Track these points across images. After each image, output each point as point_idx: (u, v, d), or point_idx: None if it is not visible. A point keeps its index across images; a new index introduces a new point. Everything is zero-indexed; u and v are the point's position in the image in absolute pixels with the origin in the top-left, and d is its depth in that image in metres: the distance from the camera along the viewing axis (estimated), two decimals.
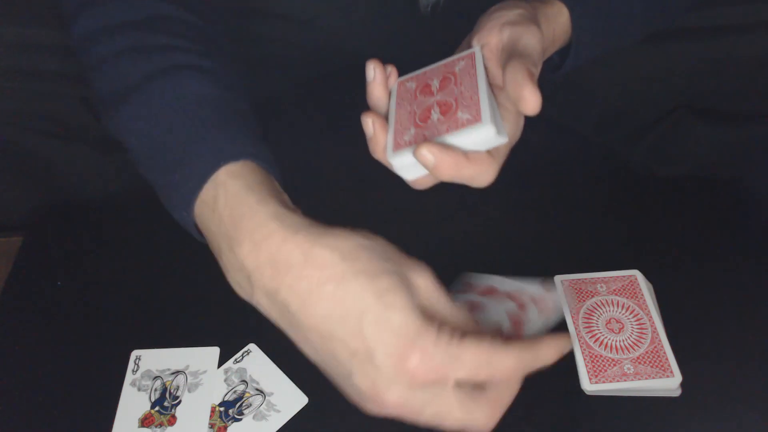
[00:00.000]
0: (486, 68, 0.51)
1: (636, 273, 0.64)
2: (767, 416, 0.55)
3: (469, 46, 0.53)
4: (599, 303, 0.61)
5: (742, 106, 0.72)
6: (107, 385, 0.59)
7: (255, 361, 0.60)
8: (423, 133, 0.47)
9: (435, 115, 0.49)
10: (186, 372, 0.59)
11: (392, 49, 0.75)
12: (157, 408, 0.57)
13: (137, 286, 0.67)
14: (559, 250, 0.67)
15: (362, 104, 0.82)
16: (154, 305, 0.65)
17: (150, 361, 0.60)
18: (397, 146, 0.48)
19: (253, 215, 0.43)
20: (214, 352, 0.60)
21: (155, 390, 0.58)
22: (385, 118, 0.50)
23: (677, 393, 0.56)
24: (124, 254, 0.69)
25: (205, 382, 0.58)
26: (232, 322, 0.63)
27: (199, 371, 0.59)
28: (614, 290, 0.63)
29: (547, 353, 0.42)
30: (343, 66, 0.81)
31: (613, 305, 0.61)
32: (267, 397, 0.58)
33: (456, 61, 0.52)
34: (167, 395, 0.58)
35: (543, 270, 0.64)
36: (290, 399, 0.58)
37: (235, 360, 0.60)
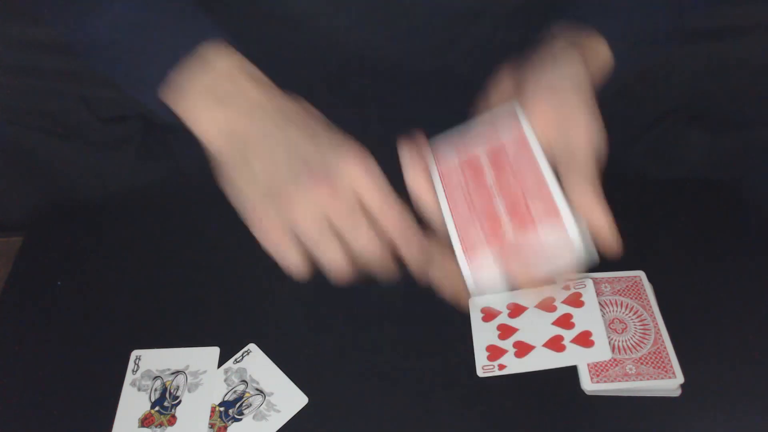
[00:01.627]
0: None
1: (640, 274, 0.63)
2: (767, 416, 0.55)
3: (503, 97, 0.53)
4: (603, 303, 0.61)
5: (739, 110, 0.71)
6: (107, 385, 0.59)
7: (255, 361, 0.60)
8: (499, 243, 0.46)
9: (502, 210, 0.47)
10: (186, 372, 0.59)
11: (390, 50, 0.75)
12: (157, 408, 0.57)
13: (137, 285, 0.66)
14: None
15: (360, 105, 0.82)
16: (154, 305, 0.65)
17: (150, 361, 0.60)
18: (474, 262, 0.46)
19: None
20: (214, 352, 0.60)
21: (155, 390, 0.58)
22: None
23: (677, 393, 0.56)
24: (124, 254, 0.69)
25: (205, 382, 0.58)
26: (232, 322, 0.63)
27: (199, 371, 0.59)
28: (618, 291, 0.62)
29: None
30: (341, 68, 0.81)
31: (617, 305, 0.61)
32: (267, 397, 0.58)
33: (499, 127, 0.50)
34: (167, 395, 0.58)
35: None
36: (290, 399, 0.57)
37: (235, 360, 0.60)
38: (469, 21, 0.70)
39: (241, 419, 0.56)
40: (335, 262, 0.49)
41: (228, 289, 0.66)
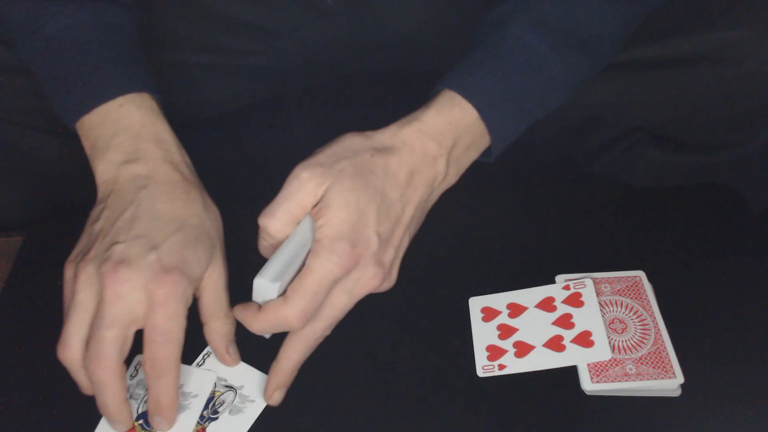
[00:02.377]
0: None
1: (640, 274, 0.63)
2: (767, 416, 0.55)
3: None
4: (603, 303, 0.61)
5: (692, 136, 0.72)
6: None
7: (217, 360, 0.59)
8: None
9: None
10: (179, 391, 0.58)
11: (374, 63, 0.75)
12: (140, 422, 0.56)
13: None
14: (563, 250, 0.67)
15: (349, 115, 0.82)
16: None
17: None
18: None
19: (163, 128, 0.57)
20: (211, 377, 0.59)
21: (145, 402, 0.57)
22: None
23: (677, 393, 0.56)
24: None
25: (192, 407, 0.57)
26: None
27: (190, 394, 0.57)
28: (618, 291, 0.62)
29: None
30: (328, 79, 0.81)
31: (616, 305, 0.61)
32: (238, 391, 0.58)
33: None
34: None
35: (546, 270, 0.64)
36: (262, 387, 0.57)
37: (198, 364, 0.59)
38: (459, 24, 0.70)
39: (217, 417, 0.56)
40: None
41: (231, 289, 0.66)
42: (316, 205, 0.53)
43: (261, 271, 0.52)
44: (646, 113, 0.71)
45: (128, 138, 0.55)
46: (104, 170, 0.55)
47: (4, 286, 0.67)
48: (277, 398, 0.55)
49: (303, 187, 0.52)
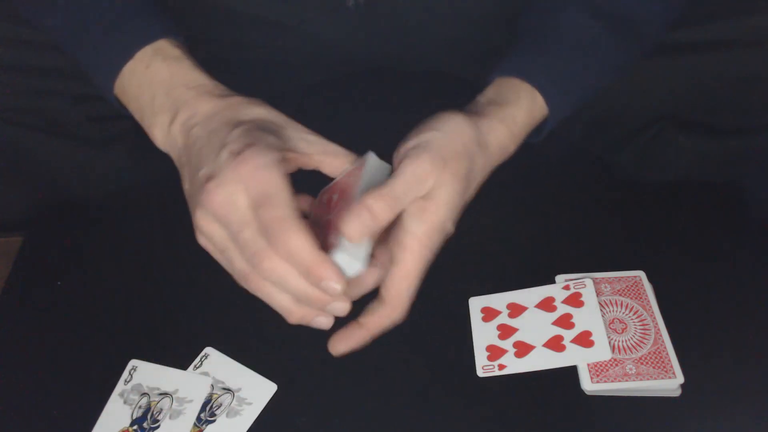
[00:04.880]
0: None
1: (640, 274, 0.63)
2: (767, 416, 0.55)
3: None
4: (603, 303, 0.61)
5: (724, 120, 0.72)
6: (100, 390, 0.58)
7: (215, 363, 0.60)
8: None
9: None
10: (173, 396, 0.58)
11: (381, 56, 0.75)
12: (135, 427, 0.56)
13: (138, 286, 0.66)
14: (563, 250, 0.67)
15: (355, 110, 0.82)
16: (154, 305, 0.65)
17: (143, 375, 0.59)
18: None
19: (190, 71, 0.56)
20: (206, 381, 0.59)
21: (139, 407, 0.57)
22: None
23: (677, 393, 0.56)
24: (124, 254, 0.69)
25: (188, 412, 0.57)
26: (230, 322, 0.63)
27: (185, 399, 0.57)
28: (618, 291, 0.62)
29: None
30: (336, 73, 0.81)
31: (617, 305, 0.61)
32: (235, 393, 0.58)
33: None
34: (149, 416, 0.57)
35: (546, 270, 0.64)
36: (259, 389, 0.57)
37: (195, 366, 0.59)
38: (468, 23, 0.70)
39: (214, 420, 0.56)
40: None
41: (231, 289, 0.66)
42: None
43: (351, 249, 0.48)
44: (678, 98, 0.71)
45: (164, 94, 0.55)
46: (162, 139, 0.55)
47: (4, 286, 0.67)
48: (341, 355, 0.52)
49: (424, 182, 0.50)
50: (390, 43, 0.72)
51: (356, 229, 0.47)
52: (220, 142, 0.50)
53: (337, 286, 0.47)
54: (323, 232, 0.49)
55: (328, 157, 0.52)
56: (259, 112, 0.53)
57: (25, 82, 0.67)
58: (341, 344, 0.51)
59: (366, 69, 0.80)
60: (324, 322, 0.50)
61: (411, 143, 0.51)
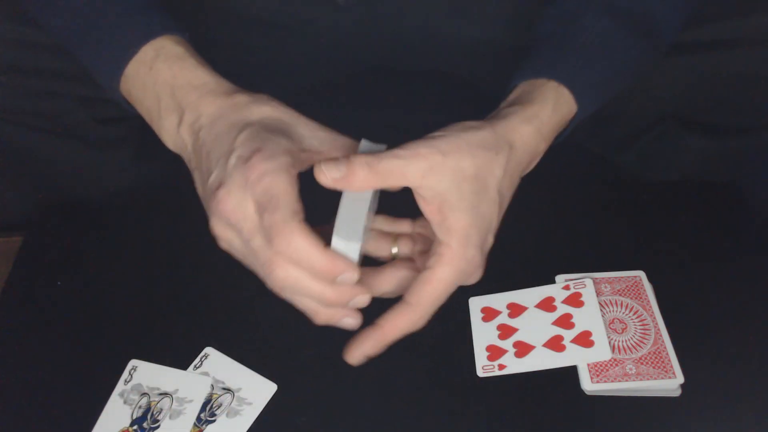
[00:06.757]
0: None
1: (640, 274, 0.63)
2: (767, 416, 0.55)
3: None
4: (603, 303, 0.61)
5: (728, 118, 0.72)
6: (100, 390, 0.58)
7: (215, 362, 0.59)
8: None
9: None
10: (173, 396, 0.58)
11: (381, 56, 0.75)
12: (135, 427, 0.56)
13: (138, 286, 0.66)
14: (563, 250, 0.67)
15: (355, 110, 0.82)
16: (154, 306, 0.65)
17: (144, 375, 0.59)
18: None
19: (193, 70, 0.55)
20: (206, 381, 0.58)
21: (139, 407, 0.57)
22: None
23: (677, 393, 0.56)
24: (125, 254, 0.69)
25: (188, 412, 0.57)
26: (230, 322, 0.63)
27: (185, 399, 0.57)
28: (618, 291, 0.62)
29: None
30: (336, 73, 0.81)
31: (617, 305, 0.61)
32: (235, 393, 0.57)
33: None
34: (149, 416, 0.57)
35: (546, 270, 0.64)
36: (259, 389, 0.57)
37: (195, 366, 0.59)
38: (468, 22, 0.70)
39: (214, 420, 0.56)
40: None
41: (231, 289, 0.66)
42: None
43: (344, 231, 0.48)
44: (682, 97, 0.71)
45: (168, 96, 0.54)
46: (172, 142, 0.55)
47: (4, 286, 0.67)
48: (358, 362, 0.52)
49: (416, 162, 0.48)
50: (390, 42, 0.72)
51: (326, 171, 0.47)
52: (228, 147, 0.49)
53: (350, 274, 0.47)
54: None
55: (339, 153, 0.52)
56: (265, 110, 0.52)
57: (30, 84, 0.67)
58: (356, 350, 0.51)
59: (366, 69, 0.80)
60: (351, 323, 0.50)
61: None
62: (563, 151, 0.79)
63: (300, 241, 0.45)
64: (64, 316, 0.64)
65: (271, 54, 0.74)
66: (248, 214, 0.47)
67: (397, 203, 0.54)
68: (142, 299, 0.65)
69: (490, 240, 0.51)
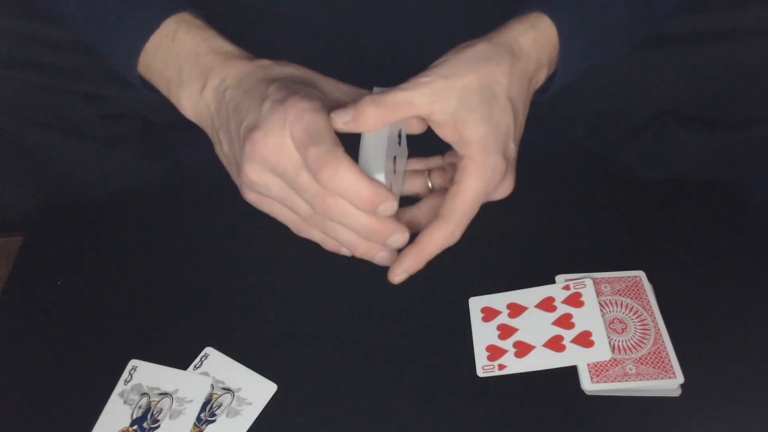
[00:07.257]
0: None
1: (640, 274, 0.63)
2: (767, 416, 0.55)
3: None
4: (603, 303, 0.61)
5: (726, 113, 0.72)
6: (100, 390, 0.58)
7: (215, 362, 0.59)
8: None
9: None
10: (173, 396, 0.58)
11: (389, 48, 0.75)
12: (135, 427, 0.56)
13: (139, 285, 0.66)
14: (563, 250, 0.67)
15: None
16: (155, 305, 0.65)
17: (144, 375, 0.59)
18: None
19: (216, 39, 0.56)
20: (206, 381, 0.58)
21: (139, 407, 0.57)
22: None
23: (677, 393, 0.56)
24: (125, 253, 0.69)
25: (188, 412, 0.57)
26: (232, 321, 0.63)
27: (185, 399, 0.57)
28: (618, 291, 0.62)
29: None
30: (341, 69, 0.81)
31: (616, 305, 0.61)
32: (235, 393, 0.57)
33: None
34: (149, 416, 0.57)
35: (546, 270, 0.64)
36: (259, 389, 0.57)
37: (195, 366, 0.59)
38: (468, 21, 0.70)
39: (214, 420, 0.56)
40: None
41: (231, 289, 0.66)
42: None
43: (367, 167, 0.50)
44: (679, 91, 0.70)
45: (192, 64, 0.55)
46: (192, 108, 0.56)
47: (4, 286, 0.67)
48: (400, 280, 0.54)
49: (420, 90, 0.50)
50: (386, 36, 0.72)
51: (338, 117, 0.49)
52: (259, 97, 0.51)
53: (390, 203, 0.48)
54: None
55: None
56: (290, 70, 0.54)
57: (34, 79, 0.66)
58: (398, 267, 0.53)
59: (362, 63, 0.80)
60: (386, 257, 0.53)
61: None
62: (563, 151, 0.80)
63: (347, 171, 0.47)
64: (64, 316, 0.64)
65: (265, 45, 0.74)
66: (290, 152, 0.48)
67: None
68: (142, 299, 0.65)
69: (512, 147, 0.53)
